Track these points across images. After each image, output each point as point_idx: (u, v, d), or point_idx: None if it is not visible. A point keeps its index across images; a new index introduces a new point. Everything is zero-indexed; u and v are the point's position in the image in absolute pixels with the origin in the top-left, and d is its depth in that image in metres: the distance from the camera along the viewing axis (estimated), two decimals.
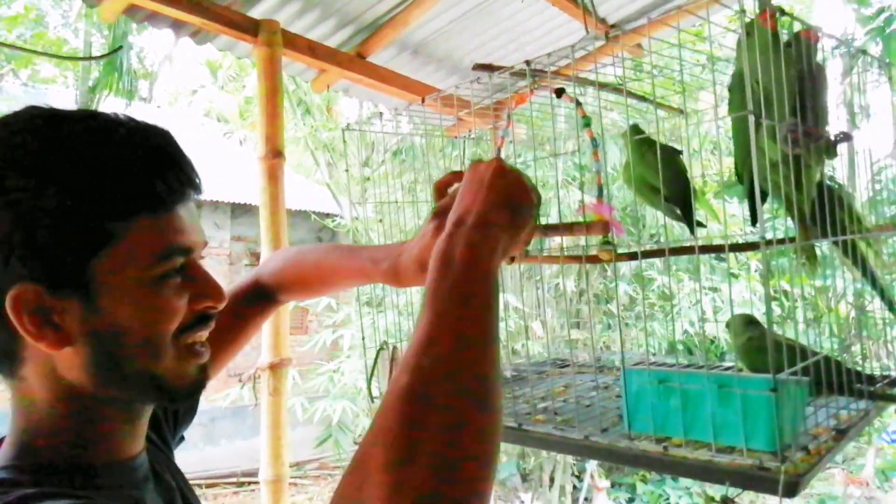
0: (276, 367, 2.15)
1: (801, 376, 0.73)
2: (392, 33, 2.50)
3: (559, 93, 0.88)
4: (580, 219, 0.84)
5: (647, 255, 1.07)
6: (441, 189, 0.76)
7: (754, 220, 0.79)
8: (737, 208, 5.53)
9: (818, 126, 0.79)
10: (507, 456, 5.97)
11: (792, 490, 0.63)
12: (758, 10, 0.84)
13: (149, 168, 0.57)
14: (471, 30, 2.68)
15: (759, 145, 0.73)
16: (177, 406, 0.81)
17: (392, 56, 2.71)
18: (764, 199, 0.78)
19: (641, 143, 0.94)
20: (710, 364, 0.82)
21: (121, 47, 5.85)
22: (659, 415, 0.77)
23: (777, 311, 6.12)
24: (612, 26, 2.72)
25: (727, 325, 1.02)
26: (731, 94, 0.81)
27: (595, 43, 1.03)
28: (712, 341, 5.56)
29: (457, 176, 0.75)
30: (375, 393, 1.14)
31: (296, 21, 2.35)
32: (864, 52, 0.91)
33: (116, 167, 0.55)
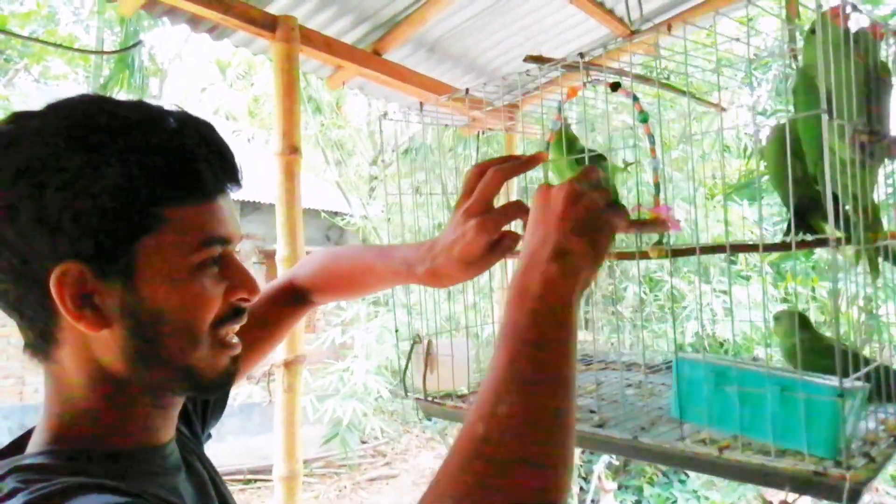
0: (290, 364, 2.14)
1: (864, 382, 0.72)
2: (409, 31, 2.49)
3: (615, 87, 0.87)
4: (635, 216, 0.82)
5: (677, 253, 1.05)
6: (471, 184, 0.74)
7: (835, 221, 0.78)
8: (747, 211, 5.50)
9: (882, 125, 0.77)
10: None
11: (854, 497, 0.62)
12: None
13: (197, 156, 0.58)
14: (487, 28, 2.67)
15: (830, 145, 0.72)
16: (208, 397, 0.82)
17: (407, 54, 2.71)
18: (836, 202, 0.76)
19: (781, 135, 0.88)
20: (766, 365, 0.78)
21: (139, 42, 5.87)
22: (714, 408, 0.75)
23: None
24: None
25: (775, 318, 1.00)
26: (796, 95, 0.79)
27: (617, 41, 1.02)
28: (721, 344, 5.52)
29: (480, 170, 0.74)
30: (408, 386, 1.13)
31: (313, 17, 2.34)
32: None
33: (167, 153, 0.56)
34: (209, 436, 0.86)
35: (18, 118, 0.56)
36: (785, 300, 6.15)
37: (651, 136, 0.83)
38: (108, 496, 0.48)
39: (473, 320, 1.16)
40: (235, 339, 0.64)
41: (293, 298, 0.96)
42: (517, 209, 0.74)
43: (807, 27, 0.78)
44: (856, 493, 0.62)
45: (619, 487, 6.18)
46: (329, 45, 2.36)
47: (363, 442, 7.27)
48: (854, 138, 0.67)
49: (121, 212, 0.54)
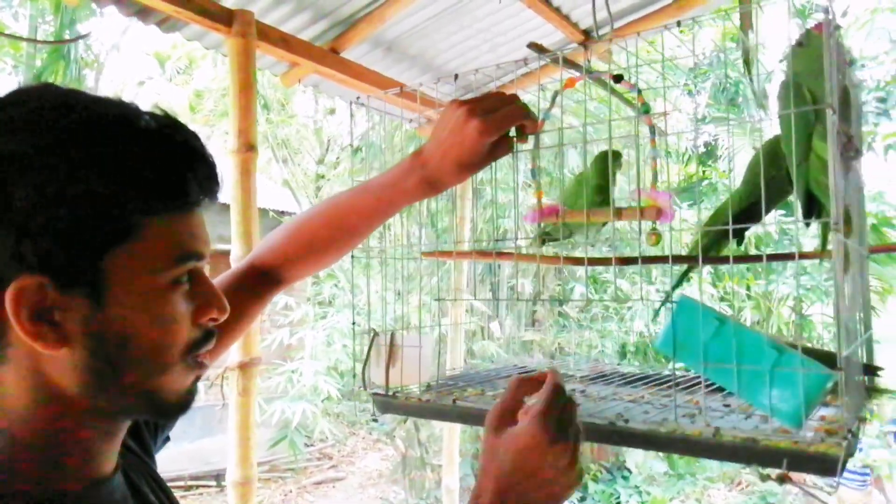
0: (245, 367, 2.09)
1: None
2: (367, 29, 2.47)
3: (618, 78, 0.88)
4: (632, 204, 0.84)
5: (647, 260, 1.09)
6: (494, 101, 0.75)
7: (808, 215, 0.82)
8: (686, 213, 5.69)
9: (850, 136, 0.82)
10: (463, 456, 5.99)
11: (843, 469, 0.66)
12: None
13: (180, 166, 0.54)
14: (445, 29, 2.67)
15: (814, 146, 0.75)
16: (164, 421, 0.75)
17: (365, 52, 2.68)
18: (816, 202, 0.80)
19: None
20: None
21: (88, 34, 5.62)
22: (710, 355, 0.74)
23: (729, 311, 6.33)
24: (584, 31, 2.76)
25: None
26: (783, 102, 0.82)
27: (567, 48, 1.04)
28: None
29: (511, 97, 0.75)
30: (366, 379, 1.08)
31: (270, 12, 2.30)
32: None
33: (150, 160, 0.52)
34: (167, 439, 0.80)
35: None
36: (723, 299, 6.40)
37: (652, 128, 0.86)
38: None
39: (423, 321, 1.14)
40: (206, 360, 0.60)
41: (258, 283, 0.90)
42: (520, 115, 0.75)
43: (793, 41, 0.82)
44: (844, 464, 0.67)
45: None
46: (286, 42, 2.32)
47: (309, 445, 7.17)
48: (839, 135, 0.71)
49: (93, 220, 0.49)
